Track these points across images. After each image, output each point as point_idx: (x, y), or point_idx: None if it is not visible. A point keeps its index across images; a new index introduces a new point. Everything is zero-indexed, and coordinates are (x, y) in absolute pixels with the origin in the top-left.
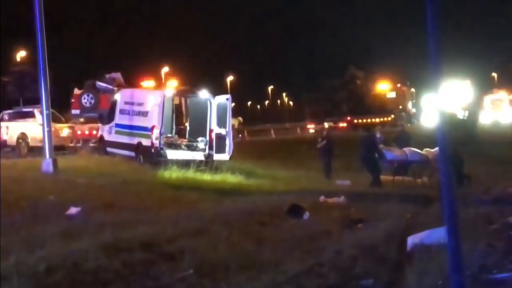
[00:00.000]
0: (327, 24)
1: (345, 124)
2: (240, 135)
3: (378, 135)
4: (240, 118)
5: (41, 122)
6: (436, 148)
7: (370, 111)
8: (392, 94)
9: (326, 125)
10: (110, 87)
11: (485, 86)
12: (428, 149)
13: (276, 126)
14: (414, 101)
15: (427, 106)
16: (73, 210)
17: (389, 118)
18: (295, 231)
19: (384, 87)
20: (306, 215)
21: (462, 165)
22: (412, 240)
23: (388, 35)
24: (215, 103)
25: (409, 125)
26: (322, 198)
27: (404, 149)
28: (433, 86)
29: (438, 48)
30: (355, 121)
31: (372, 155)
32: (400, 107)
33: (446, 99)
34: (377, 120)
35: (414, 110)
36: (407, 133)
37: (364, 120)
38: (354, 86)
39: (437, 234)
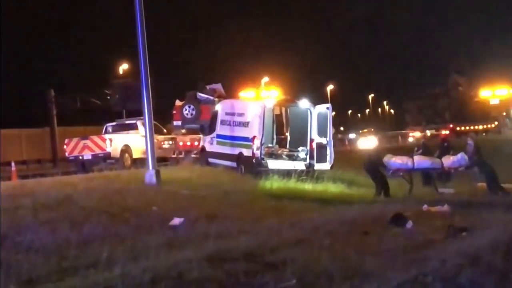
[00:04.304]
0: (428, 31)
1: (447, 132)
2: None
3: (469, 142)
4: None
5: (144, 134)
6: (458, 155)
7: (473, 118)
8: (496, 101)
9: (428, 133)
10: (211, 98)
11: None
12: (449, 156)
13: (377, 135)
14: None
15: None
16: (176, 220)
17: (493, 125)
18: (398, 240)
19: (487, 94)
20: (409, 224)
21: (494, 177)
22: None
23: (490, 41)
24: (315, 113)
25: None
26: (425, 206)
27: (415, 156)
28: None
29: None
30: (458, 128)
31: (375, 166)
32: (504, 113)
33: None
34: (480, 127)
35: None
36: (447, 142)
37: (467, 127)
38: (456, 93)
39: None
